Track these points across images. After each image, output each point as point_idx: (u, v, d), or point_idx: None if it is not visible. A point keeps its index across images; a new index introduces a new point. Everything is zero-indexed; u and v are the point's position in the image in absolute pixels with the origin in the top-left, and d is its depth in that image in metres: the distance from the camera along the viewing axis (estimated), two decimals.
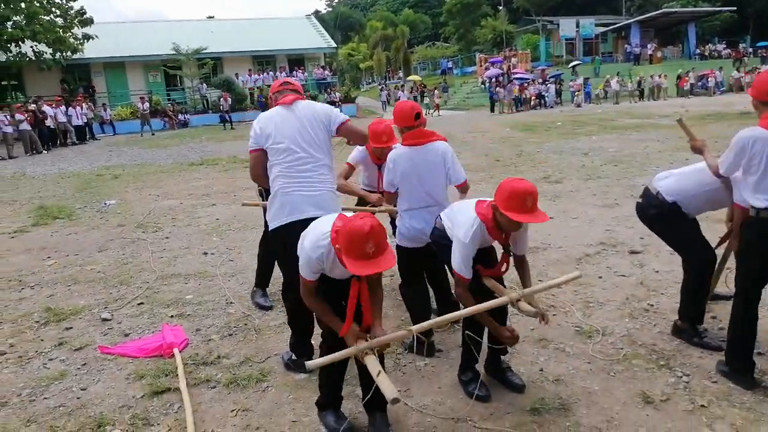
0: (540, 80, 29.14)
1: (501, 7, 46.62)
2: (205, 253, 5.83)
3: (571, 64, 32.72)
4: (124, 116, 24.89)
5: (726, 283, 3.66)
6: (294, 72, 29.65)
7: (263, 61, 31.26)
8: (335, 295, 2.57)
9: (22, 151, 17.11)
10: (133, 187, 10.41)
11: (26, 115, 17.34)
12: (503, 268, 2.86)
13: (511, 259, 2.88)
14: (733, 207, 3.50)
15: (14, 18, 22.49)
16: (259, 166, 3.19)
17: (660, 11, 37.55)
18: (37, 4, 22.91)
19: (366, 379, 2.54)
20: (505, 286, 2.90)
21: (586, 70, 32.03)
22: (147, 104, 23.65)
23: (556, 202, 7.33)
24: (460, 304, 2.84)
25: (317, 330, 2.95)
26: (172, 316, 4.24)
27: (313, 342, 3.27)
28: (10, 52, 23.14)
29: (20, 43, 22.96)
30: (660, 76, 28.24)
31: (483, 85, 31.57)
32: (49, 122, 18.74)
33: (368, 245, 2.20)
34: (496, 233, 2.74)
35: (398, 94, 31.43)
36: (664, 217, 3.36)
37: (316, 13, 54.26)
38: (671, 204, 3.29)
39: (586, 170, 9.43)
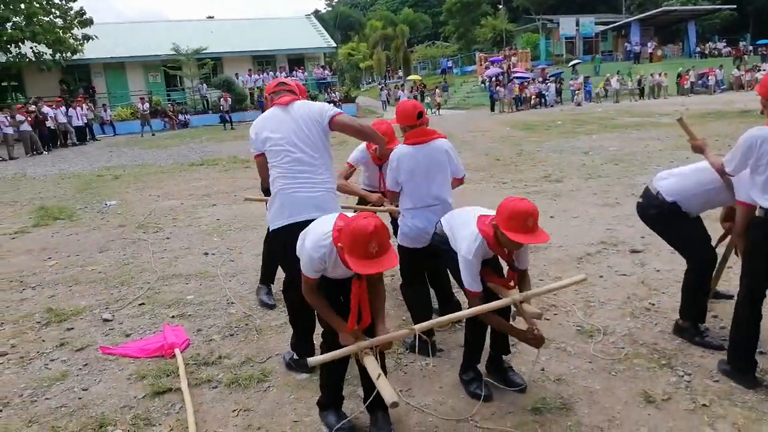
0: (540, 79, 29.13)
1: (501, 6, 46.60)
2: (206, 254, 5.83)
3: (571, 63, 32.74)
4: (124, 117, 24.91)
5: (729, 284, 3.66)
6: (294, 72, 29.63)
7: (263, 61, 31.25)
8: (335, 295, 2.57)
9: (23, 152, 17.14)
10: (133, 187, 10.41)
11: (27, 116, 17.35)
12: (511, 284, 2.87)
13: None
14: (728, 208, 3.51)
15: (14, 19, 22.50)
16: (264, 169, 3.19)
17: (660, 9, 37.54)
18: (37, 5, 22.91)
19: (367, 380, 2.54)
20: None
21: (586, 69, 32.03)
22: (147, 105, 23.67)
23: (556, 201, 7.33)
24: (461, 305, 2.84)
25: (318, 329, 2.95)
26: (173, 317, 4.25)
27: (314, 341, 3.27)
28: (10, 53, 23.14)
29: (20, 44, 22.95)
30: (660, 75, 28.24)
31: (483, 85, 31.56)
32: (49, 123, 18.75)
33: (372, 245, 2.21)
34: (498, 250, 2.76)
35: (398, 94, 31.47)
36: (664, 217, 3.36)
37: (316, 13, 54.26)
38: (671, 204, 3.29)
39: (586, 169, 9.42)
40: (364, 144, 4.16)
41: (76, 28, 24.82)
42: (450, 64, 43.92)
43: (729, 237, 3.59)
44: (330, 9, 73.49)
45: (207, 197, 8.99)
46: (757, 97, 2.97)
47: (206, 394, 3.12)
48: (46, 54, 23.82)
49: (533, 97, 27.16)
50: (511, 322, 2.91)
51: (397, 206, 3.65)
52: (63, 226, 7.47)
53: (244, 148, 14.05)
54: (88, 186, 10.84)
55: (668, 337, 3.47)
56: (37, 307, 4.56)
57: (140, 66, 28.59)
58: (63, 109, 20.06)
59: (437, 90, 29.87)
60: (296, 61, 31.80)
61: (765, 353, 3.15)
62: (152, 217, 7.73)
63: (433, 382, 3.15)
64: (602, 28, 38.91)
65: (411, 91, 31.96)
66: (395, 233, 3.74)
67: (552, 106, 26.98)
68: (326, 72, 32.94)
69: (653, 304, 3.94)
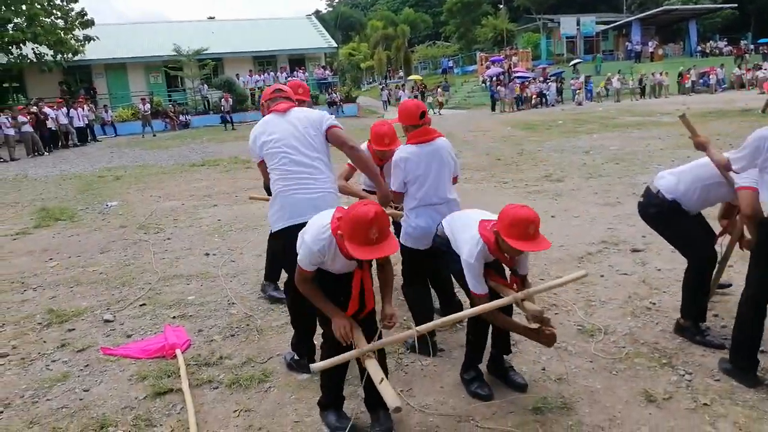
0: (541, 79, 29.10)
1: (501, 6, 46.59)
2: (207, 254, 5.84)
3: (572, 63, 32.72)
4: (125, 117, 24.93)
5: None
6: (295, 72, 29.64)
7: (264, 61, 31.24)
8: (332, 291, 2.57)
9: (24, 153, 17.16)
10: (134, 188, 10.43)
11: (29, 117, 17.37)
12: (514, 287, 2.86)
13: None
14: (727, 204, 3.51)
15: (15, 20, 22.49)
16: (266, 173, 3.20)
17: (661, 9, 37.53)
18: (38, 6, 22.92)
19: (368, 381, 2.54)
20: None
21: (587, 68, 32.00)
22: (148, 105, 23.66)
23: (557, 200, 7.32)
24: (463, 305, 2.84)
25: (319, 330, 2.95)
26: (174, 317, 4.25)
27: (315, 342, 3.27)
28: (11, 54, 23.16)
29: (21, 45, 22.96)
30: (661, 74, 28.21)
31: (484, 84, 31.57)
32: (50, 124, 18.78)
33: (372, 231, 2.22)
34: (498, 255, 2.76)
35: (399, 94, 31.49)
36: (664, 215, 3.36)
37: (317, 13, 54.31)
38: (671, 202, 3.29)
39: (587, 168, 9.42)
40: (364, 144, 4.15)
41: (77, 29, 24.82)
42: (451, 63, 43.93)
43: (728, 236, 3.59)
44: (331, 9, 73.55)
45: (208, 198, 9.00)
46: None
47: (207, 395, 3.12)
48: (47, 55, 23.84)
49: (534, 96, 27.16)
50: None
51: (399, 209, 3.64)
52: (64, 227, 7.48)
53: (245, 148, 14.02)
54: (90, 187, 10.85)
55: (669, 336, 3.46)
56: (38, 308, 4.57)
57: (141, 67, 28.60)
58: (64, 110, 20.07)
59: (439, 89, 29.85)
60: (297, 61, 31.79)
61: (766, 352, 3.15)
62: (153, 218, 7.73)
63: (434, 381, 3.15)
64: (603, 27, 38.89)
65: (412, 91, 31.97)
66: (397, 235, 3.74)
67: (553, 105, 26.97)
68: (327, 72, 32.92)
69: (654, 304, 3.94)
